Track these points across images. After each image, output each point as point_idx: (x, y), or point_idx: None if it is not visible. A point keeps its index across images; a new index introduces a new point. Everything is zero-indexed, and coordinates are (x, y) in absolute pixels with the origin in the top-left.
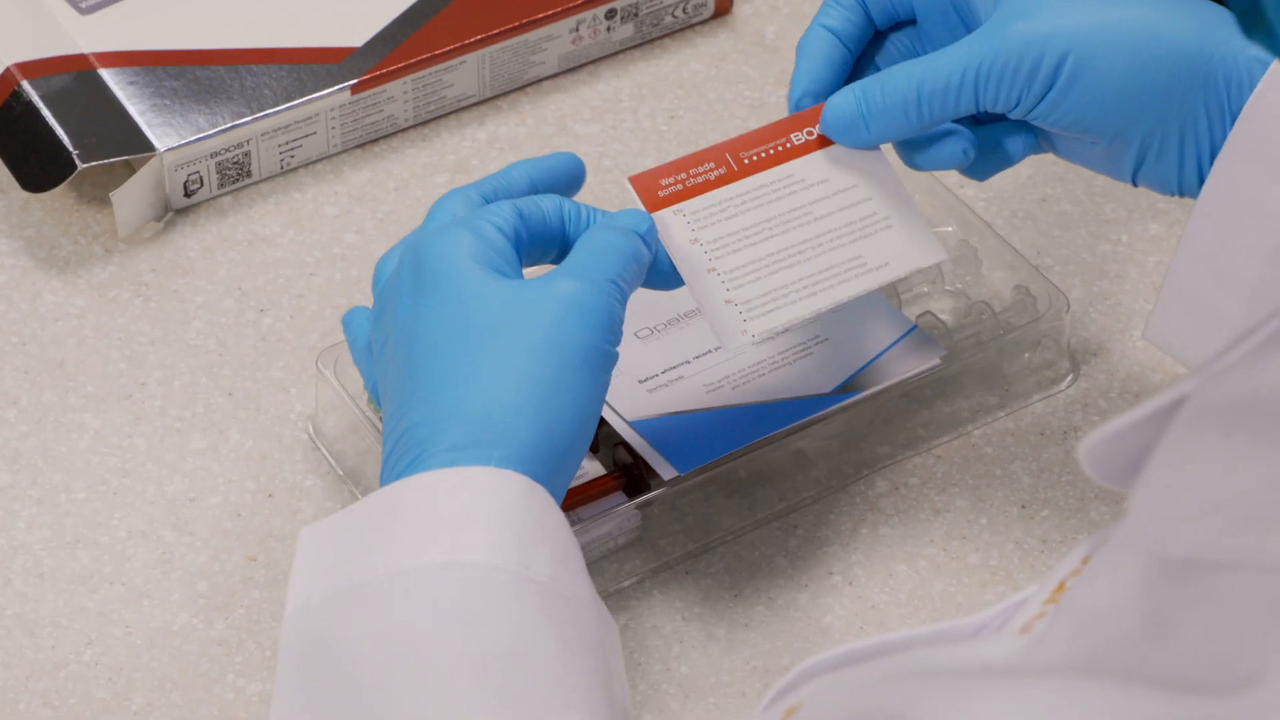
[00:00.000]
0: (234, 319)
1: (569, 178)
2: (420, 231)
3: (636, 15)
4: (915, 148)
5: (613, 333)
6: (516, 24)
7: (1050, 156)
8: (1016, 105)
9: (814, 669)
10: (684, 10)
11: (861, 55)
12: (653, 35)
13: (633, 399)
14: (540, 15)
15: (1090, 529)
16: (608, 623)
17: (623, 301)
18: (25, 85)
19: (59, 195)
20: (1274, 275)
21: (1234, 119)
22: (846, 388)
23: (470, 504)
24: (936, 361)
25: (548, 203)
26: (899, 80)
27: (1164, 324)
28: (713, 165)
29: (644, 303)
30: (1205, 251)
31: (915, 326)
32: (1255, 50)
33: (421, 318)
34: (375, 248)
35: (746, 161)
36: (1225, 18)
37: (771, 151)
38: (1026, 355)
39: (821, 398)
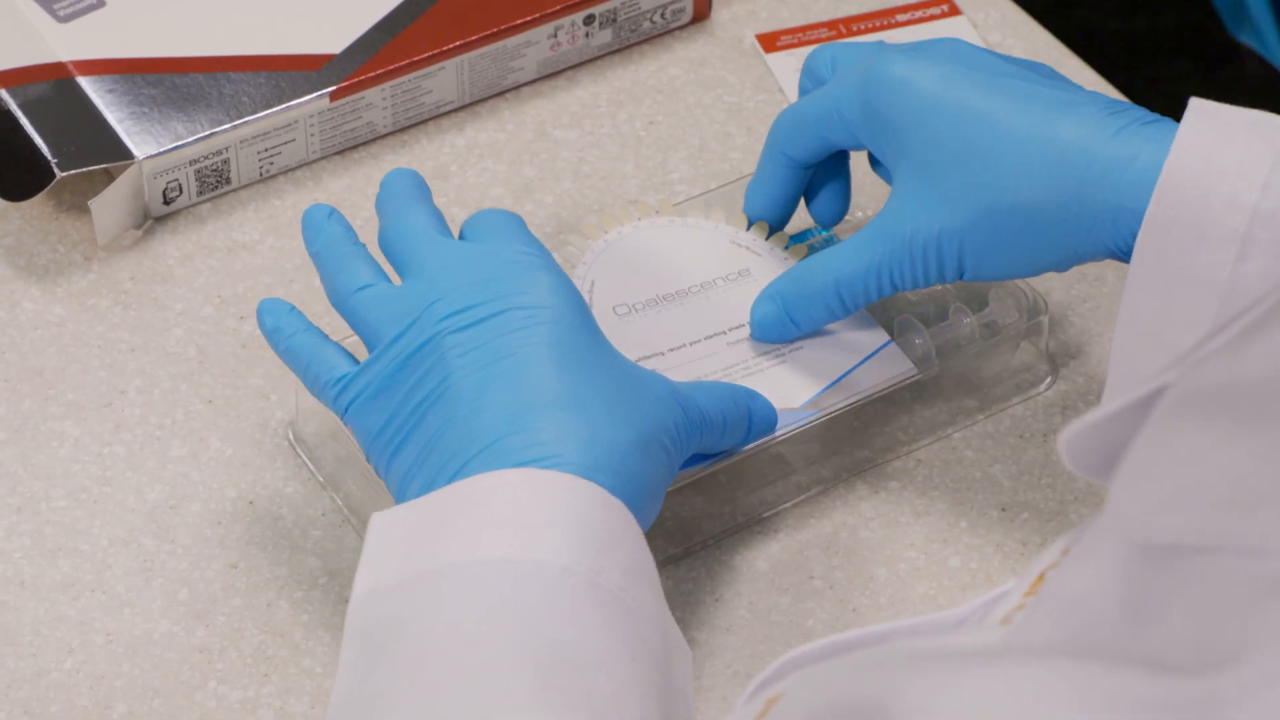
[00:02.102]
0: (214, 326)
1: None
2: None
3: (615, 21)
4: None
5: (684, 450)
6: (495, 30)
7: None
8: (927, 284)
9: (796, 661)
10: (662, 16)
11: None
12: (631, 41)
13: None
14: (519, 21)
15: (1070, 531)
16: (678, 643)
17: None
18: (3, 94)
19: (37, 203)
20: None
21: (1124, 235)
22: (816, 403)
23: (549, 505)
24: (915, 371)
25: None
26: (816, 283)
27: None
28: None
29: (626, 274)
30: (1144, 326)
31: (890, 341)
32: (1115, 177)
33: (546, 349)
34: None
35: None
36: (1090, 128)
37: None
38: (1006, 358)
39: (791, 412)
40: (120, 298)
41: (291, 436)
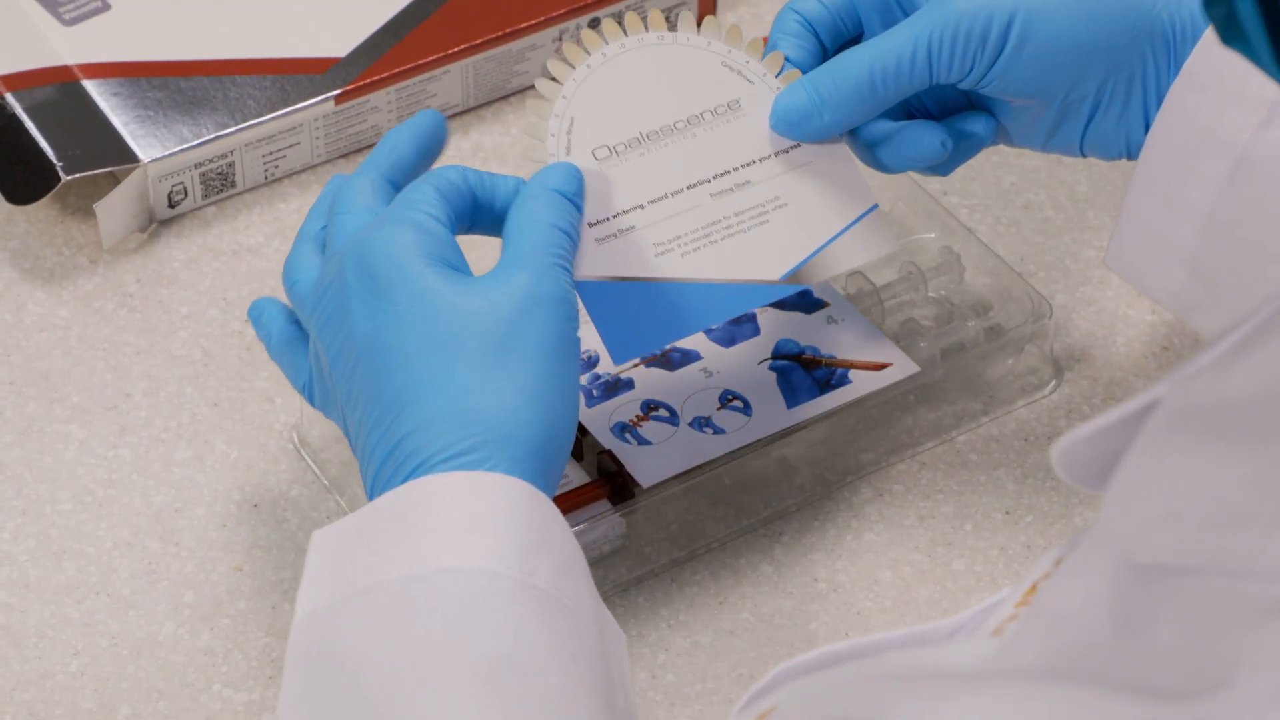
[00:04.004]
0: (219, 329)
1: (439, 136)
2: (342, 228)
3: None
4: (885, 148)
5: (573, 318)
6: (500, 34)
7: (1032, 163)
8: (970, 72)
9: (789, 672)
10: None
11: None
12: None
13: (581, 248)
14: (523, 25)
15: (1074, 533)
16: (613, 631)
17: (571, 278)
18: (8, 97)
19: (42, 207)
20: (1225, 205)
21: (1177, 67)
22: (795, 277)
23: (475, 510)
24: (917, 368)
25: (457, 177)
26: (850, 64)
27: (1121, 252)
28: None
29: (609, 107)
30: (1159, 179)
31: (876, 206)
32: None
33: (387, 325)
34: None
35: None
36: None
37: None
38: (1010, 361)
39: (770, 286)
40: (125, 300)
41: (296, 439)
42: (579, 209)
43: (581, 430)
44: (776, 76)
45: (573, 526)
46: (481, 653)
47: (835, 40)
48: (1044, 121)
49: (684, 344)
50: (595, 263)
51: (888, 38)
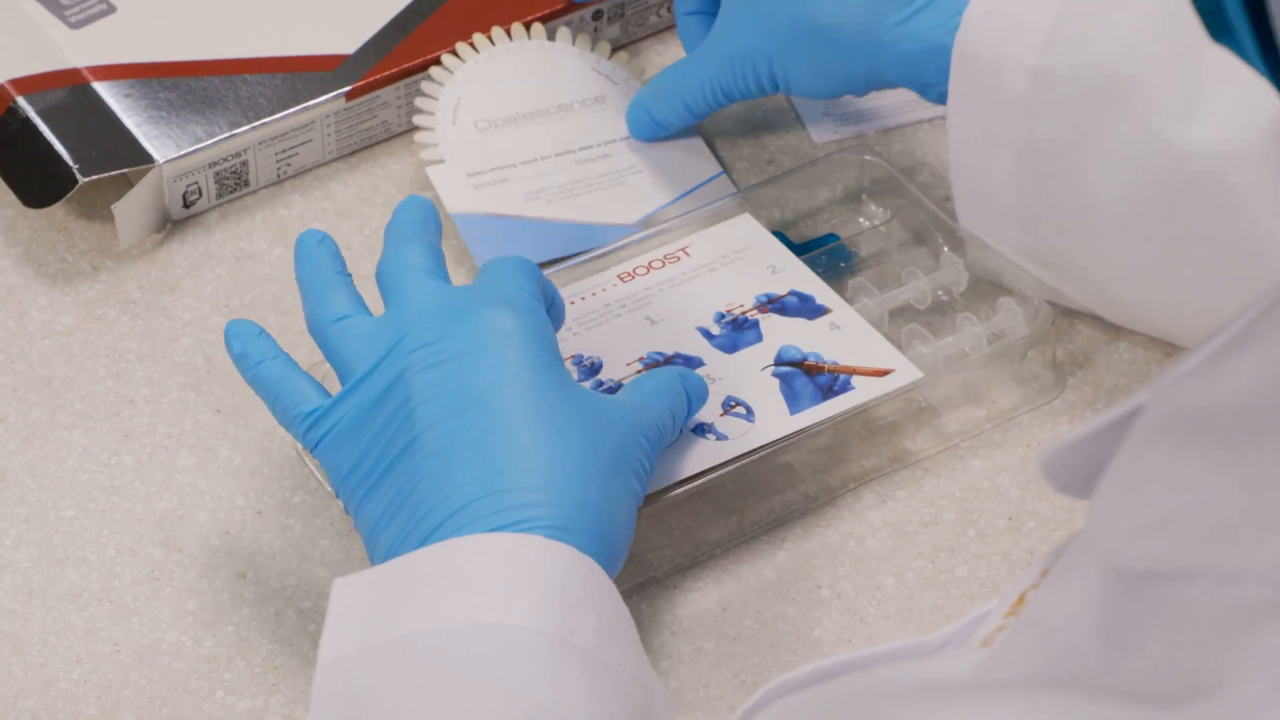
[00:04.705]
0: (221, 336)
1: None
2: (422, 287)
3: (623, 15)
4: None
5: (646, 475)
6: (505, 27)
7: None
8: (760, 93)
9: (779, 689)
10: (669, 9)
11: None
12: (639, 35)
13: (459, 192)
14: (529, 18)
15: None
16: (658, 694)
17: (655, 454)
18: (21, 101)
19: (46, 212)
20: (1024, 199)
21: (911, 84)
22: (648, 222)
23: (518, 569)
24: (920, 375)
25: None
26: (668, 95)
27: (964, 212)
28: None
29: (492, 93)
30: (971, 189)
31: (723, 173)
32: (910, 38)
33: (534, 388)
34: (361, 264)
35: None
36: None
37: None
38: (1013, 368)
39: (624, 227)
40: (128, 307)
41: (299, 446)
42: (692, 413)
43: None
44: (639, 81)
45: None
46: (518, 708)
47: None
48: None
49: (686, 351)
50: (473, 201)
51: (688, 74)
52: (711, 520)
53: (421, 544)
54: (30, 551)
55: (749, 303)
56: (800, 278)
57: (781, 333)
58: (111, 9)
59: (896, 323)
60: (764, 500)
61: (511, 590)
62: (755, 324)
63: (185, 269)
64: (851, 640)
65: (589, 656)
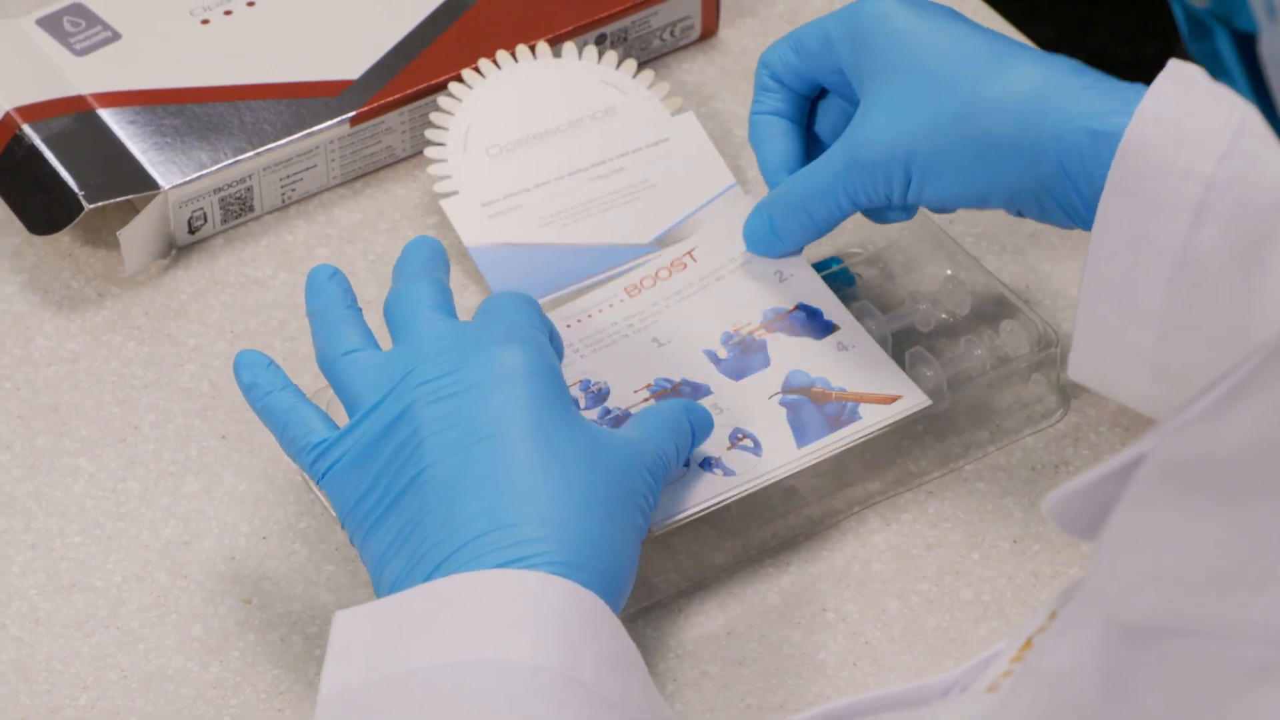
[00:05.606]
0: (227, 362)
1: (443, 256)
2: (429, 323)
3: (626, 39)
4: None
5: (650, 508)
6: (510, 51)
7: None
8: (888, 202)
9: None
10: (671, 33)
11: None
12: (642, 59)
13: (474, 224)
14: (531, 43)
15: (1082, 563)
16: None
17: (658, 485)
18: (26, 129)
19: (51, 239)
20: (1174, 306)
21: (1083, 181)
22: (664, 240)
23: (517, 604)
24: (928, 401)
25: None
26: (793, 196)
27: (1083, 361)
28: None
29: (500, 116)
30: (1107, 288)
31: (735, 184)
32: (1083, 120)
33: (539, 422)
34: (366, 290)
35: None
36: (1060, 75)
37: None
38: (1017, 390)
39: (640, 247)
40: (134, 333)
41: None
42: (695, 445)
43: None
44: (649, 87)
45: None
46: None
47: (811, 90)
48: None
49: (693, 378)
50: (488, 232)
51: (814, 175)
52: (716, 544)
53: (428, 577)
54: (37, 578)
55: (756, 320)
56: (807, 287)
57: (789, 355)
58: (116, 36)
59: (900, 345)
60: (768, 524)
61: (513, 626)
62: (763, 345)
63: (190, 295)
64: (857, 664)
65: (590, 693)
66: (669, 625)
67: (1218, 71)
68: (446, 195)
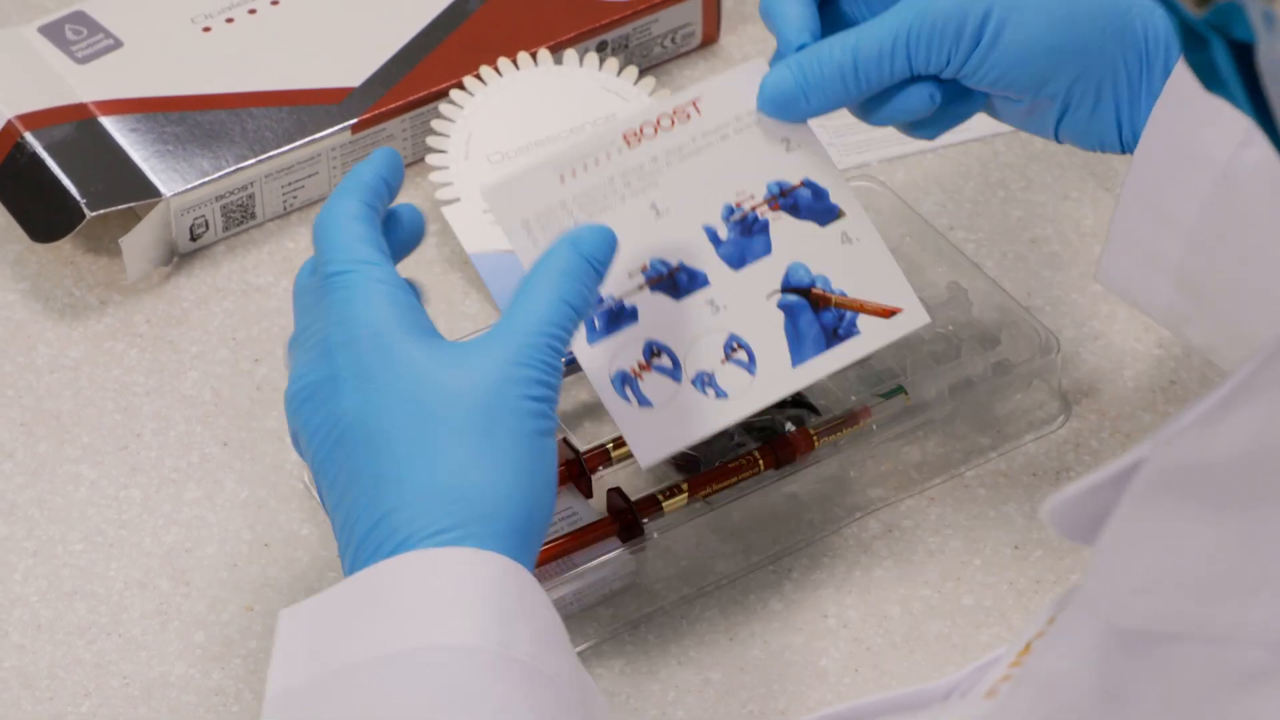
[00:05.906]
0: (228, 369)
1: (400, 172)
2: (335, 287)
3: (627, 47)
4: (874, 102)
5: (551, 399)
6: (510, 59)
7: (1039, 198)
8: (946, 65)
9: None
10: (672, 40)
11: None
12: (643, 65)
13: (475, 230)
14: (533, 50)
15: (1083, 569)
16: (593, 697)
17: (558, 356)
18: (28, 136)
19: (53, 247)
20: (1209, 221)
21: (1149, 72)
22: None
23: (448, 586)
24: (928, 319)
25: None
26: (835, 50)
27: (1112, 267)
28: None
29: (501, 124)
30: (1146, 195)
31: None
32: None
33: (368, 403)
34: None
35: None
36: None
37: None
38: (1018, 396)
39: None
40: (136, 341)
41: (306, 478)
42: (601, 276)
43: (588, 464)
44: (649, 94)
45: (583, 565)
46: None
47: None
48: (1018, 108)
49: (691, 263)
50: (489, 239)
51: (869, 28)
52: (718, 550)
53: (351, 570)
54: (39, 585)
55: (760, 194)
56: (815, 161)
57: (791, 243)
58: (118, 44)
59: (903, 353)
60: (770, 530)
61: (445, 610)
62: (765, 227)
63: (192, 302)
64: (858, 670)
65: (528, 668)
66: (671, 631)
67: (1214, 82)
68: (448, 202)
